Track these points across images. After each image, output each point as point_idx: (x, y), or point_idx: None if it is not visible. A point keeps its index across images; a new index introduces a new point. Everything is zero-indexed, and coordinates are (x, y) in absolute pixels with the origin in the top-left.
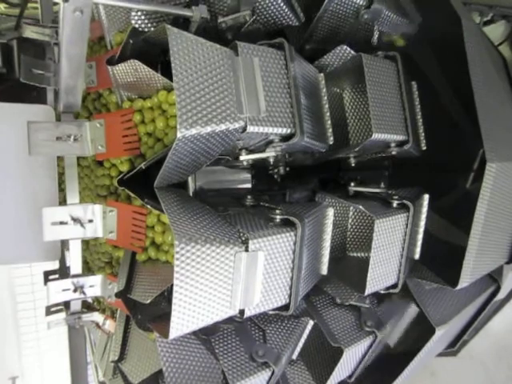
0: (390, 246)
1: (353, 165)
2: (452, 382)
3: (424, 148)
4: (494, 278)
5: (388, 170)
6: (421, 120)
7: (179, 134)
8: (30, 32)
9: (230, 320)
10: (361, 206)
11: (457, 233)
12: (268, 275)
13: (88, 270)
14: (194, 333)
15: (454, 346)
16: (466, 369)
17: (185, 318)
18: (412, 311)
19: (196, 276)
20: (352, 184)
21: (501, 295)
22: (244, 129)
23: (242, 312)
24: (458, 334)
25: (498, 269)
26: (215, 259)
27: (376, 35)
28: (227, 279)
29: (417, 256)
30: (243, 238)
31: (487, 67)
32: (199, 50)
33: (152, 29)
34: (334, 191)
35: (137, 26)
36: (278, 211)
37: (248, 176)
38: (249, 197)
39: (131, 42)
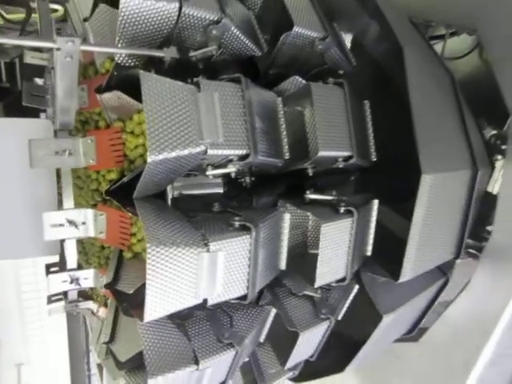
0: (337, 246)
1: (311, 174)
2: (416, 364)
3: (374, 159)
4: (443, 272)
5: (354, 175)
6: (372, 134)
7: (149, 160)
8: (29, 58)
9: (202, 307)
10: (308, 213)
11: (401, 232)
12: (228, 271)
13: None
14: (171, 318)
15: (412, 332)
16: (427, 353)
17: (157, 306)
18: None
19: (165, 272)
20: (307, 192)
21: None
22: (205, 152)
23: (205, 301)
24: (414, 322)
25: (449, 263)
26: (181, 258)
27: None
28: (192, 274)
29: (369, 253)
30: (205, 241)
31: (428, 88)
32: (166, 89)
33: (132, 63)
34: (297, 196)
35: (119, 61)
36: (237, 218)
37: (220, 183)
38: (216, 204)
39: (115, 73)
